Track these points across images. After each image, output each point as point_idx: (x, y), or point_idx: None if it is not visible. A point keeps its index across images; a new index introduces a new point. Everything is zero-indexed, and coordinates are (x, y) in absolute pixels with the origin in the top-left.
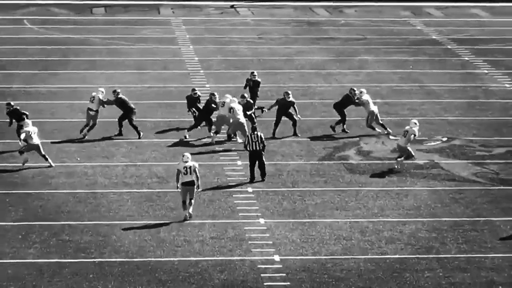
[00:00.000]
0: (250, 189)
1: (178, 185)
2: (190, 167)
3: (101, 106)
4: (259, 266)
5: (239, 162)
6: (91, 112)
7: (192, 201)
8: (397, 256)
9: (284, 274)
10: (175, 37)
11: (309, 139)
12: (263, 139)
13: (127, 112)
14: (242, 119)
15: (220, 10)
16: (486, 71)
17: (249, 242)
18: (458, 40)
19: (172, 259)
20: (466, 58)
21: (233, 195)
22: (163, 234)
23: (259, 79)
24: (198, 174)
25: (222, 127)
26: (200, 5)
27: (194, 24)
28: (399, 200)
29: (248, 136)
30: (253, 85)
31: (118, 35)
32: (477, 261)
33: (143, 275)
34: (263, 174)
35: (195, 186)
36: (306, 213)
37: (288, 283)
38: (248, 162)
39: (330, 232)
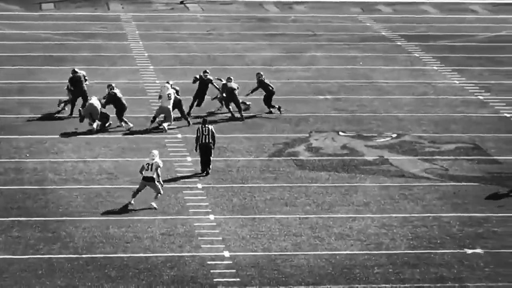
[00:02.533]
0: (200, 185)
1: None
2: (152, 164)
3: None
4: (209, 262)
5: (189, 158)
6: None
7: (157, 195)
8: (347, 252)
9: (234, 270)
10: (125, 33)
11: (258, 136)
12: (214, 133)
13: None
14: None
15: (170, 6)
16: (435, 68)
17: (199, 238)
18: (408, 37)
19: (122, 255)
20: (416, 55)
21: (183, 191)
22: (113, 230)
23: (210, 77)
24: (159, 172)
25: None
26: (149, 1)
27: (143, 20)
28: (349, 196)
29: (198, 129)
30: (202, 83)
31: (68, 31)
32: (426, 257)
33: (93, 271)
34: (207, 168)
35: (158, 190)
36: (256, 209)
37: (238, 279)
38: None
39: (280, 228)
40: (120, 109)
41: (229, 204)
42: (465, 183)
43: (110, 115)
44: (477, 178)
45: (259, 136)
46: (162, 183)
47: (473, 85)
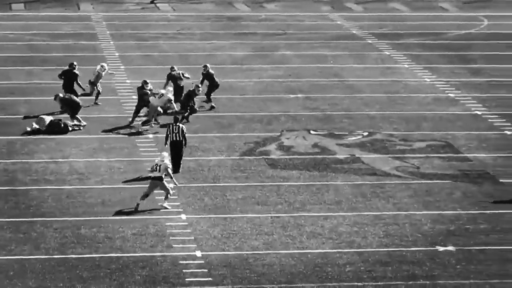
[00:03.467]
0: (171, 185)
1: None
2: (160, 166)
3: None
4: (180, 262)
5: None
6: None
7: (168, 195)
8: (318, 250)
9: (205, 270)
10: (95, 33)
11: (230, 135)
12: (184, 132)
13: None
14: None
15: (140, 5)
16: (406, 66)
17: (171, 238)
18: (378, 35)
19: (93, 255)
20: (387, 53)
21: (154, 191)
22: (84, 231)
23: (179, 72)
24: (170, 172)
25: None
26: (120, 1)
27: (114, 19)
28: (320, 195)
29: (169, 127)
30: (173, 79)
31: (38, 31)
32: (398, 255)
33: (64, 272)
34: (177, 166)
35: (169, 189)
36: (227, 209)
37: (210, 279)
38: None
39: (251, 227)
40: (76, 107)
41: (200, 203)
42: (437, 181)
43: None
44: (448, 176)
45: (231, 136)
46: (176, 183)
47: (444, 82)
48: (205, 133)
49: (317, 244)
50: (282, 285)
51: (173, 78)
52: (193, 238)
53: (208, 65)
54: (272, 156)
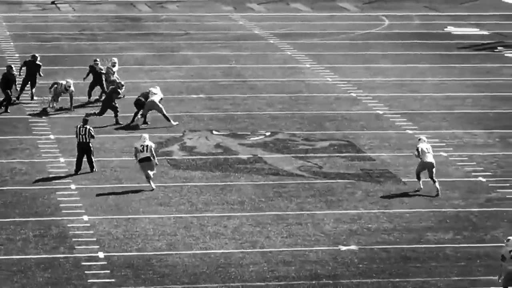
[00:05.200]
0: (73, 186)
1: (137, 162)
2: (147, 146)
3: None
4: (83, 263)
5: (61, 159)
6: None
7: (151, 174)
8: (221, 251)
9: (108, 271)
10: None
11: (132, 135)
12: (92, 133)
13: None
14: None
15: (40, 6)
16: (308, 66)
17: (73, 239)
18: (280, 35)
19: None
20: (289, 53)
21: (56, 192)
22: None
23: (101, 67)
24: (154, 153)
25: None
26: (20, 1)
27: (14, 20)
28: (223, 195)
29: (76, 128)
30: (95, 73)
31: None
32: (301, 254)
33: None
34: (91, 167)
35: (154, 164)
36: (130, 209)
37: (113, 280)
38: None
39: (154, 228)
40: None
41: (103, 204)
42: (339, 180)
43: None
44: (350, 175)
45: (133, 136)
46: (157, 163)
47: (346, 82)
48: (108, 134)
49: (220, 245)
50: (185, 286)
51: (94, 71)
52: (95, 239)
53: (98, 60)
54: (175, 157)
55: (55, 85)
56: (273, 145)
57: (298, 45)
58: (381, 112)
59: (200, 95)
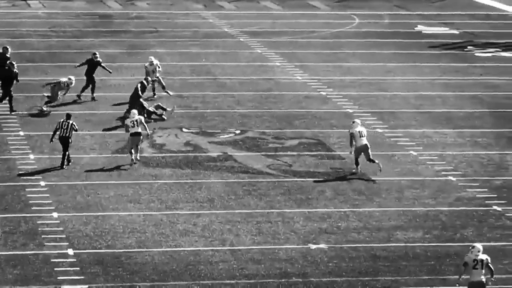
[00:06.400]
0: (43, 183)
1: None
2: (136, 120)
3: None
4: (52, 260)
5: (31, 156)
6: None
7: (138, 148)
8: (191, 248)
9: (78, 268)
10: None
11: (102, 133)
12: (74, 127)
13: None
14: None
15: (10, 2)
16: (278, 64)
17: (42, 236)
18: (250, 33)
19: None
20: (259, 51)
21: (26, 189)
22: None
23: (100, 59)
24: (145, 124)
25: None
26: None
27: None
28: (193, 193)
29: (58, 122)
30: (92, 65)
31: None
32: (271, 253)
33: None
34: (67, 161)
35: (146, 134)
36: (99, 206)
37: (82, 277)
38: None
39: (124, 226)
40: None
41: (72, 201)
42: (309, 179)
43: None
44: (320, 174)
45: (102, 133)
46: (148, 133)
47: (316, 81)
48: (77, 130)
49: (189, 242)
50: (155, 283)
51: (92, 64)
52: (65, 236)
53: (97, 53)
54: (145, 154)
55: (52, 85)
56: (242, 143)
57: (268, 43)
58: (351, 111)
59: (170, 93)
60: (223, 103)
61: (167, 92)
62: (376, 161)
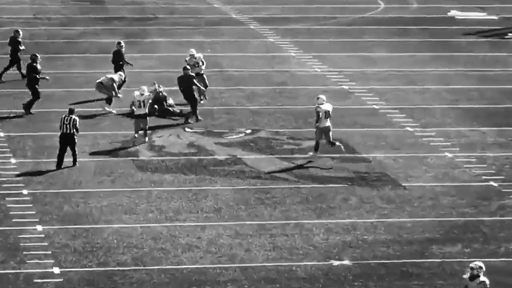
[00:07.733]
0: (25, 191)
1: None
2: (143, 101)
3: None
4: (36, 280)
5: (13, 160)
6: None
7: (146, 131)
8: (195, 266)
9: None
10: None
11: (93, 133)
12: (76, 123)
13: None
14: None
15: None
16: (293, 54)
17: (24, 252)
18: (261, 19)
19: None
20: (271, 40)
21: (6, 198)
22: None
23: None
24: (149, 94)
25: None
26: None
27: None
28: (197, 202)
29: (62, 118)
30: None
31: None
32: (287, 270)
33: None
34: (74, 160)
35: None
36: (90, 218)
37: None
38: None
39: (118, 240)
40: None
41: (59, 212)
42: (330, 185)
43: None
44: (342, 179)
45: (94, 134)
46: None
47: (336, 73)
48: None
49: (194, 259)
50: None
51: (118, 54)
52: (50, 252)
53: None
54: (142, 157)
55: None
56: (254, 144)
57: (281, 31)
58: (376, 107)
59: (172, 88)
60: (231, 98)
61: (204, 97)
62: (337, 143)
